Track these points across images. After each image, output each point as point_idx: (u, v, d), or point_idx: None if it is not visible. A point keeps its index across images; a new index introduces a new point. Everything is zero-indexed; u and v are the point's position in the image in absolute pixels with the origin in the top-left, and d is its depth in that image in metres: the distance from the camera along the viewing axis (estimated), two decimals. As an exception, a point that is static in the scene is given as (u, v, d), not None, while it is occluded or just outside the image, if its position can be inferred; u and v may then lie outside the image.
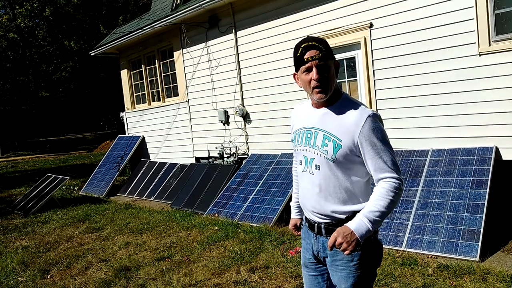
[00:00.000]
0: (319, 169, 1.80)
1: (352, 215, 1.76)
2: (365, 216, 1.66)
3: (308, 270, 2.01)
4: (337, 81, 1.88)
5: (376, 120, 1.72)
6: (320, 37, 1.84)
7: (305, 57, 1.73)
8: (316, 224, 1.87)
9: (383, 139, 1.71)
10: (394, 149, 1.78)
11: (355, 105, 1.77)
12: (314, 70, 1.72)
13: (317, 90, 1.75)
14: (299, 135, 1.90)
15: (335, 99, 1.81)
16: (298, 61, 1.77)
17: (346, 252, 1.65)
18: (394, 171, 1.70)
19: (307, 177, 1.86)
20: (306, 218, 1.97)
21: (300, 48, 1.74)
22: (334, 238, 1.67)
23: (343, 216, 1.78)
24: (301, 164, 1.89)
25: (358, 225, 1.66)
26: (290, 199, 5.63)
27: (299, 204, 2.15)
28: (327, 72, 1.73)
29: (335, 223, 1.79)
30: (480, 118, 4.66)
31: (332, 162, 1.76)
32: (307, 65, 1.73)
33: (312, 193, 1.84)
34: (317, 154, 1.80)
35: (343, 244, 1.65)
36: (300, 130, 1.90)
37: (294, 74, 1.86)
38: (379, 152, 1.70)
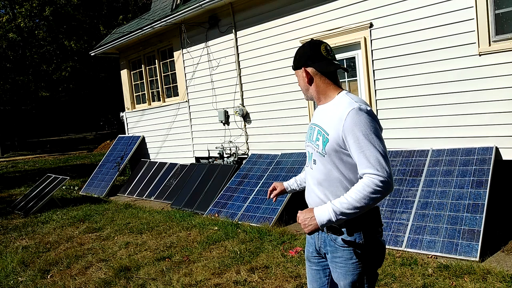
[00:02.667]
0: (315, 164, 1.86)
1: None
2: (332, 205, 1.68)
3: (311, 264, 2.03)
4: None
5: (361, 113, 1.68)
6: (307, 41, 1.94)
7: None
8: None
9: (367, 133, 1.66)
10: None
11: (346, 100, 1.77)
12: None
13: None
14: (307, 131, 1.99)
15: (331, 96, 1.86)
16: None
17: (305, 232, 1.76)
18: (376, 168, 1.63)
19: (309, 172, 1.93)
20: None
21: None
22: (298, 217, 1.79)
23: None
24: (306, 159, 1.98)
25: (322, 212, 1.70)
26: (290, 199, 5.64)
27: (295, 182, 2.23)
28: (298, 80, 1.95)
29: None
30: (480, 118, 4.66)
31: (323, 157, 1.79)
32: None
33: (313, 188, 1.88)
34: (313, 149, 1.86)
35: (301, 225, 1.76)
36: (309, 127, 1.99)
37: None
38: (361, 147, 1.66)
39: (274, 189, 2.20)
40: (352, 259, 1.78)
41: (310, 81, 1.88)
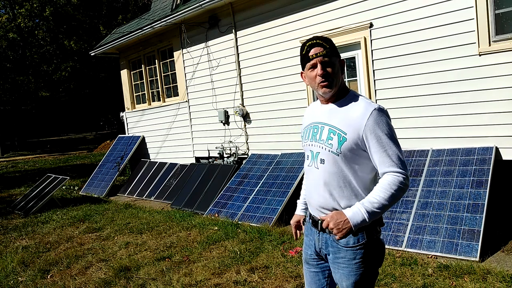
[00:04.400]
0: (323, 163, 1.82)
1: None
2: (363, 206, 1.67)
3: (309, 266, 2.01)
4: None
5: (382, 114, 1.72)
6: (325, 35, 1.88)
7: (310, 54, 1.79)
8: (320, 221, 1.87)
9: (389, 133, 1.71)
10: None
11: (362, 100, 1.79)
12: (319, 66, 1.78)
13: (322, 84, 1.80)
14: (307, 130, 1.94)
15: (342, 95, 1.85)
16: (304, 59, 1.83)
17: (336, 237, 1.70)
18: (398, 166, 1.69)
19: (313, 171, 1.88)
20: (310, 215, 1.97)
21: (306, 47, 1.81)
22: (327, 222, 1.72)
23: None
24: (307, 159, 1.92)
25: (355, 213, 1.67)
26: (290, 199, 5.64)
27: (305, 201, 2.13)
28: (331, 68, 1.79)
29: None
30: (480, 118, 4.66)
31: (337, 156, 1.77)
32: (312, 62, 1.79)
33: (317, 188, 1.85)
34: (322, 148, 1.82)
35: (333, 230, 1.70)
36: (308, 126, 1.94)
37: (302, 73, 1.92)
38: (384, 146, 1.70)
39: (297, 225, 2.13)
40: (355, 259, 1.78)
41: (342, 71, 1.86)
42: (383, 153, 1.70)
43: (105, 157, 10.21)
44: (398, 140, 1.76)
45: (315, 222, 1.91)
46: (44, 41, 27.14)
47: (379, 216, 1.70)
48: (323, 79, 1.78)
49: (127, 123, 10.65)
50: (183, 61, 8.50)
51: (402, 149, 5.06)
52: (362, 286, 1.81)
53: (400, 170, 1.68)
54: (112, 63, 24.91)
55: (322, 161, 1.82)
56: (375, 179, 1.82)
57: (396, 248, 4.13)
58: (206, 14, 7.62)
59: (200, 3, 7.12)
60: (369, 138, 1.71)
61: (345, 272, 1.80)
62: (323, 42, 1.79)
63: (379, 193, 1.67)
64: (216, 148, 7.91)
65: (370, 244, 1.78)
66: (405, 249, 4.08)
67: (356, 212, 1.67)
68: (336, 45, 1.91)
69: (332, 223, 1.70)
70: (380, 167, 1.72)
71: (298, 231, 2.14)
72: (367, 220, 1.66)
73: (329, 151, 1.79)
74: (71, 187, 10.24)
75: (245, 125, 7.40)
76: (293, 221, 2.15)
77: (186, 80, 8.52)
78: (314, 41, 1.79)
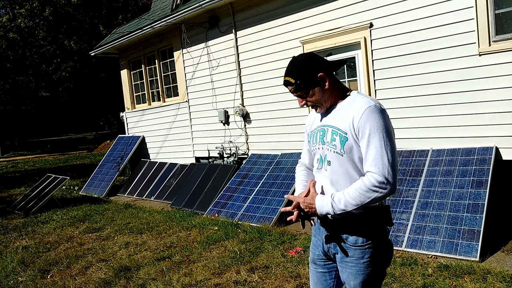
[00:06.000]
0: (330, 165, 1.83)
1: (364, 210, 1.75)
2: (331, 200, 1.73)
3: (316, 267, 2.00)
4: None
5: (376, 111, 1.70)
6: (298, 57, 1.85)
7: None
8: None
9: (379, 132, 1.68)
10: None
11: (361, 99, 1.78)
12: (297, 99, 1.90)
13: (311, 109, 1.95)
14: (315, 134, 1.94)
15: (343, 97, 1.85)
16: None
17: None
18: (378, 167, 1.65)
19: (322, 174, 1.88)
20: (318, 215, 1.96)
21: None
22: (298, 203, 1.85)
23: (356, 212, 1.76)
24: (317, 162, 1.92)
25: (322, 204, 1.76)
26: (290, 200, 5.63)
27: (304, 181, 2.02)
28: (307, 97, 1.85)
29: (347, 219, 1.79)
30: (480, 118, 4.66)
31: (341, 156, 1.78)
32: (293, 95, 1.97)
33: (325, 189, 1.86)
34: (328, 150, 1.83)
35: (302, 205, 1.84)
36: (315, 130, 1.95)
37: None
38: (369, 145, 1.68)
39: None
40: (363, 259, 1.78)
41: (324, 86, 1.82)
42: (367, 152, 1.69)
43: (105, 157, 10.21)
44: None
45: (323, 222, 1.90)
46: (44, 41, 27.13)
47: (352, 209, 1.70)
48: (308, 107, 1.92)
49: (127, 123, 10.65)
50: (183, 61, 8.50)
51: (403, 149, 5.10)
52: (370, 286, 1.81)
53: (377, 172, 1.65)
54: (112, 63, 24.90)
55: (329, 162, 1.83)
56: None
57: (396, 248, 4.13)
58: (206, 14, 7.62)
59: (200, 3, 7.12)
60: (360, 135, 1.71)
61: (353, 272, 1.80)
62: (290, 78, 1.82)
63: (349, 191, 1.70)
64: (216, 148, 7.91)
65: (378, 244, 1.78)
66: (405, 249, 4.08)
67: (324, 204, 1.76)
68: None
69: (303, 205, 1.83)
70: (364, 165, 1.72)
71: (301, 217, 1.88)
72: (331, 213, 1.74)
73: (334, 152, 1.80)
74: (71, 187, 10.24)
75: (245, 125, 7.40)
76: (294, 204, 1.89)
77: (186, 80, 8.52)
78: (284, 79, 1.85)
